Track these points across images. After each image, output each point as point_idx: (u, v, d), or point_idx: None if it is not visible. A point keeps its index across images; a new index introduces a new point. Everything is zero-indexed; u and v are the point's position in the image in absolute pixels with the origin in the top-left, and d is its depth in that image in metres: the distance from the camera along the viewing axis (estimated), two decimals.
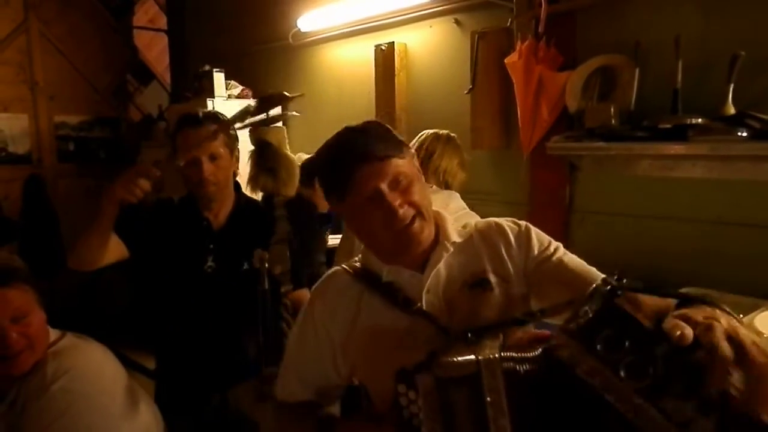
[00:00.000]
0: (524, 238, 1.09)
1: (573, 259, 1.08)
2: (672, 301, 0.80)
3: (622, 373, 0.73)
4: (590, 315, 0.80)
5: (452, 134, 2.21)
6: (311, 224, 2.62)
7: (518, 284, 1.06)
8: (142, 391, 1.57)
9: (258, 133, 1.80)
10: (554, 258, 1.07)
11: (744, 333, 0.74)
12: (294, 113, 2.10)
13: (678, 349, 0.71)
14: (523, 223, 1.12)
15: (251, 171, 1.81)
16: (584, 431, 0.79)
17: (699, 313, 0.76)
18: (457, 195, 2.14)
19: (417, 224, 1.02)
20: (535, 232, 1.10)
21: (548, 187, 2.39)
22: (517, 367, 0.84)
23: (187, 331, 1.75)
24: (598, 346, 0.76)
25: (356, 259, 1.16)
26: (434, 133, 2.18)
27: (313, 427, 1.07)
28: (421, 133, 2.21)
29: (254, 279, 1.61)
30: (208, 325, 1.74)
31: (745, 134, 1.66)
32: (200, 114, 1.76)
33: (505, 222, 1.12)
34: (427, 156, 2.12)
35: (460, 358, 0.86)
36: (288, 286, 1.78)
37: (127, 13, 5.07)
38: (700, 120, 1.75)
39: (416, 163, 1.08)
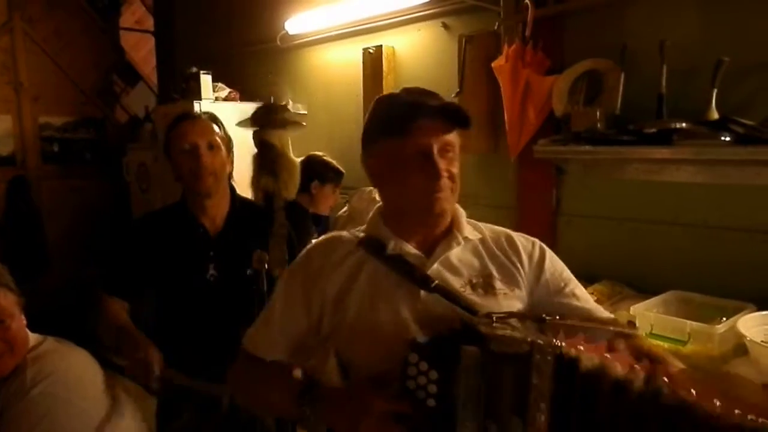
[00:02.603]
0: (537, 259, 1.10)
1: (584, 294, 1.10)
2: None
3: None
4: None
5: None
6: (306, 225, 2.61)
7: (522, 299, 1.07)
8: (126, 395, 1.55)
9: (261, 135, 1.78)
10: (567, 290, 1.08)
11: None
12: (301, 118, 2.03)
13: None
14: (536, 241, 1.13)
15: (253, 173, 1.79)
16: None
17: None
18: None
19: (446, 195, 1.03)
20: (549, 256, 1.11)
21: (535, 190, 2.39)
22: (568, 358, 0.83)
23: (193, 341, 1.67)
24: None
25: (359, 228, 1.15)
26: None
27: (298, 386, 1.02)
28: None
29: (257, 285, 1.56)
30: (214, 335, 1.65)
31: (728, 139, 1.68)
32: (195, 112, 1.74)
33: (517, 237, 1.13)
34: None
35: (516, 335, 0.85)
36: None
37: (113, 13, 5.02)
38: (684, 124, 1.76)
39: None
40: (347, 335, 1.04)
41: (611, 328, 0.97)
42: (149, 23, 5.15)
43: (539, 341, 0.84)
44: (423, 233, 1.08)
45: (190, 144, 1.64)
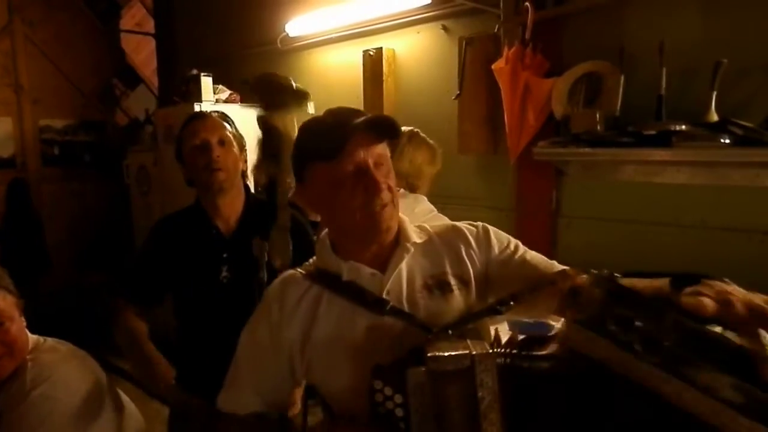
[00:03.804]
0: (483, 238, 1.10)
1: (535, 256, 1.09)
2: (665, 281, 0.82)
3: (637, 348, 0.72)
4: (597, 302, 0.80)
5: (415, 129, 2.14)
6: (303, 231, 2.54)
7: (478, 286, 1.07)
8: (126, 398, 1.55)
9: (265, 118, 1.75)
10: (516, 257, 1.08)
11: (759, 298, 0.75)
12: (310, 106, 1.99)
13: (685, 316, 0.73)
14: (480, 223, 1.13)
15: (257, 158, 1.74)
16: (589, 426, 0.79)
17: (709, 289, 0.77)
18: (424, 198, 2.09)
19: (389, 210, 1.02)
20: (494, 232, 1.11)
21: (535, 192, 2.40)
22: (512, 363, 0.85)
23: (208, 344, 1.63)
24: (612, 327, 0.75)
25: (309, 262, 1.14)
26: None
27: None
28: None
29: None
30: (229, 338, 1.65)
31: (727, 141, 1.68)
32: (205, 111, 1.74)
33: (463, 224, 1.13)
34: None
35: (453, 353, 0.86)
36: None
37: (114, 16, 5.03)
38: (683, 126, 1.77)
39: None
40: (320, 373, 1.04)
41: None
42: (150, 25, 5.16)
43: (479, 352, 0.85)
44: (373, 250, 1.06)
45: (201, 140, 1.63)
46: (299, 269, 1.13)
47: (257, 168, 1.75)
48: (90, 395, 1.38)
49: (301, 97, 1.78)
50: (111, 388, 1.47)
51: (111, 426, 1.41)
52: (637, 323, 0.74)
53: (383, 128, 1.02)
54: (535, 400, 0.83)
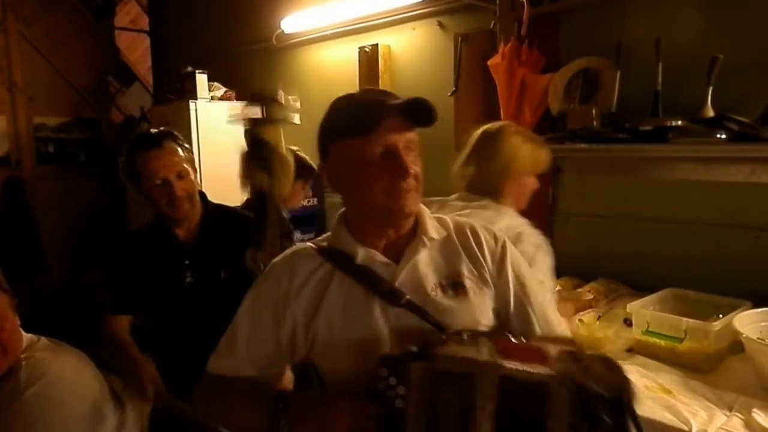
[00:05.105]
0: (499, 255, 1.09)
1: (540, 304, 1.10)
2: None
3: None
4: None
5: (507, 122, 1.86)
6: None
7: (491, 295, 1.07)
8: (120, 396, 1.54)
9: (254, 131, 1.77)
10: (525, 300, 1.08)
11: None
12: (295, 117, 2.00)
13: None
14: (500, 238, 1.12)
15: (244, 169, 1.77)
16: None
17: None
18: (509, 210, 1.61)
19: (413, 195, 1.01)
20: (511, 255, 1.10)
21: None
22: (515, 377, 0.84)
23: (182, 347, 1.70)
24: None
25: (322, 238, 1.13)
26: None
27: (266, 403, 0.97)
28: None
29: (234, 286, 1.57)
30: (200, 338, 1.69)
31: (723, 136, 1.68)
32: (154, 133, 1.76)
33: (482, 231, 1.12)
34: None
35: (461, 356, 0.86)
36: None
37: (108, 13, 5.00)
38: (680, 122, 1.77)
39: None
40: (323, 351, 1.03)
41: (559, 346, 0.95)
42: (144, 23, 5.13)
43: (485, 361, 0.85)
44: (389, 237, 1.05)
45: (161, 179, 1.68)
46: (310, 243, 1.11)
47: (244, 179, 1.77)
48: (84, 394, 1.37)
49: (285, 117, 1.81)
50: (106, 387, 1.46)
51: (106, 424, 1.40)
52: None
53: (420, 114, 1.00)
54: (533, 418, 0.83)
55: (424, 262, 1.05)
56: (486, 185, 1.62)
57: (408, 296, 1.01)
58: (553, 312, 1.13)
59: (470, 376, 0.84)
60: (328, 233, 1.13)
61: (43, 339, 1.42)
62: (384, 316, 1.01)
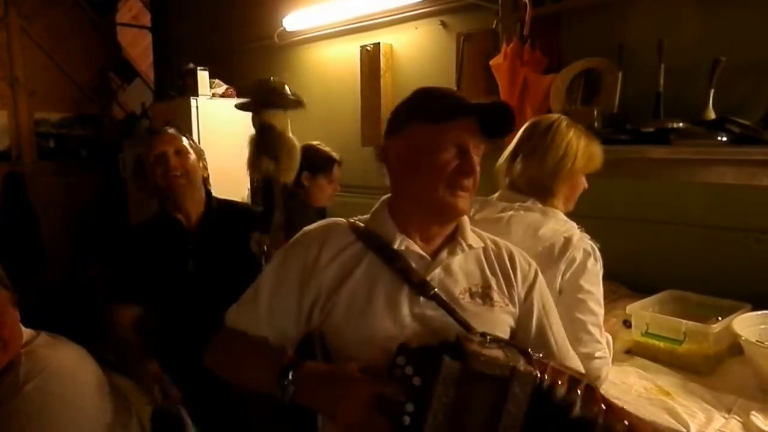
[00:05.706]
0: (531, 281, 1.12)
1: (561, 336, 1.12)
2: None
3: None
4: None
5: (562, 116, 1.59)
6: (308, 213, 2.51)
7: (514, 315, 1.08)
8: (120, 392, 1.54)
9: (261, 117, 1.76)
10: (554, 329, 1.11)
11: None
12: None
13: None
14: (533, 265, 1.14)
15: (251, 155, 1.77)
16: None
17: None
18: (558, 213, 1.50)
19: (467, 197, 1.03)
20: (539, 285, 1.12)
21: None
22: (547, 389, 0.84)
23: (185, 333, 1.69)
24: None
25: (359, 218, 1.13)
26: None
27: (281, 362, 0.96)
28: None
29: (237, 275, 1.57)
30: (201, 325, 1.70)
31: (725, 138, 1.68)
32: (160, 127, 1.90)
33: (518, 255, 1.14)
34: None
35: (495, 357, 0.85)
36: None
37: (110, 9, 5.00)
38: (681, 124, 1.77)
39: None
40: (338, 326, 1.03)
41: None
42: (146, 19, 5.13)
43: (521, 369, 0.85)
44: (430, 233, 1.07)
45: (159, 151, 1.77)
46: (346, 220, 1.12)
47: (251, 166, 1.77)
48: (84, 388, 1.37)
49: (296, 101, 1.81)
50: (106, 382, 1.46)
51: (106, 419, 1.40)
52: None
53: (496, 123, 1.04)
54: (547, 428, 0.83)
55: (458, 265, 1.07)
56: (534, 184, 1.46)
57: (436, 289, 1.02)
58: (570, 349, 1.15)
59: (504, 379, 0.84)
60: (367, 215, 1.13)
61: (43, 334, 1.42)
62: (409, 304, 1.01)
